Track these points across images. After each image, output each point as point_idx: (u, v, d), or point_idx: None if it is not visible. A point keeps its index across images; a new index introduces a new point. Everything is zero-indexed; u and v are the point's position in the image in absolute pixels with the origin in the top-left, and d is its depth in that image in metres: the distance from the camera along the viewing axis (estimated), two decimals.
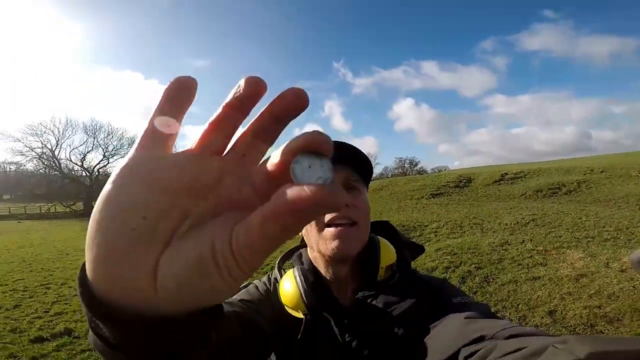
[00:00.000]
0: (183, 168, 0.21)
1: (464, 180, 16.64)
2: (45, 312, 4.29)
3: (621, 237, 5.26)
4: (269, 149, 0.23)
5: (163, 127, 0.21)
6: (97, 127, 35.22)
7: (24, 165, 34.01)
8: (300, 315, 0.65)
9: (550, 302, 3.51)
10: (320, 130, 0.20)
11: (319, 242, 0.66)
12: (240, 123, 0.22)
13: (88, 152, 34.59)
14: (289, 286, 0.67)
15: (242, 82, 0.20)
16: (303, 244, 0.80)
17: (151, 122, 0.21)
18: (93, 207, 0.20)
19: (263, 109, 0.22)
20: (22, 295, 5.05)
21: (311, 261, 0.73)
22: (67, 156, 33.99)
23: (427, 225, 7.56)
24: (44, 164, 32.73)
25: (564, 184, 13.03)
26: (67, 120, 37.36)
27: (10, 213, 29.08)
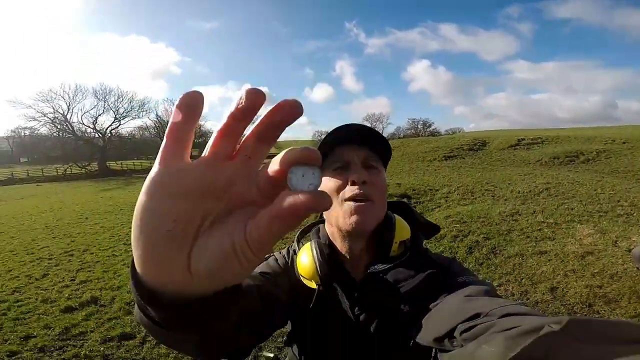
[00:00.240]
0: (200, 176, 0.24)
1: (479, 144, 16.24)
2: (72, 280, 4.41)
3: (635, 214, 5.19)
4: (269, 150, 0.28)
5: (179, 142, 0.25)
6: (107, 91, 36.09)
7: (38, 130, 34.80)
8: (314, 285, 0.70)
9: (553, 278, 3.57)
10: (311, 141, 0.23)
11: (338, 217, 0.70)
12: (244, 130, 0.25)
13: (99, 115, 35.70)
14: (306, 258, 0.72)
15: (243, 95, 0.23)
16: (321, 219, 0.85)
17: (167, 137, 0.25)
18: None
19: (263, 117, 0.25)
20: (49, 263, 5.15)
21: (328, 236, 0.77)
22: (80, 119, 35.20)
23: (437, 190, 7.56)
24: (57, 127, 33.62)
25: (583, 152, 12.64)
26: (76, 86, 37.46)
27: (28, 176, 29.66)
